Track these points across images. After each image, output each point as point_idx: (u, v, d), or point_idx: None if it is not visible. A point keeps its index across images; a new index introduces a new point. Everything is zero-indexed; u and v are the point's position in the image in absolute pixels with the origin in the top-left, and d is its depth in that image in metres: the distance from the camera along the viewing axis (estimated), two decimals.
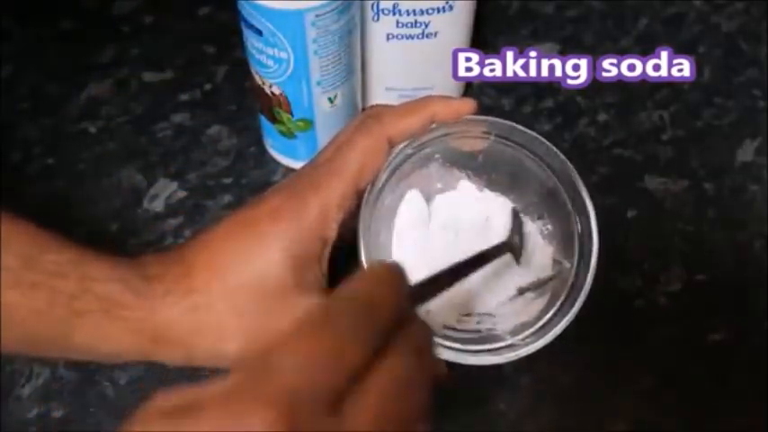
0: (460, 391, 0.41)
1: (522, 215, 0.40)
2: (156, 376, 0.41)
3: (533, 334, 0.34)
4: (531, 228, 0.39)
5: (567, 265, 0.36)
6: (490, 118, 0.37)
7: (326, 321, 0.22)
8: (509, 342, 0.35)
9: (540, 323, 0.35)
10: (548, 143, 0.37)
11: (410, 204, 0.39)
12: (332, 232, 0.35)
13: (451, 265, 0.31)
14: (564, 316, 0.34)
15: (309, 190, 0.34)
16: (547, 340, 0.34)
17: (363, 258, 0.34)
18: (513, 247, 0.38)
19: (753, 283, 0.46)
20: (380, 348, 0.22)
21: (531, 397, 0.41)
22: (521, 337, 0.35)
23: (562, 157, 0.37)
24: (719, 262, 0.47)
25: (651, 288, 0.45)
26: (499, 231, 0.40)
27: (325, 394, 0.20)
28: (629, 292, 0.45)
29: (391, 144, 0.35)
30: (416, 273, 0.37)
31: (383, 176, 0.35)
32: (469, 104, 0.36)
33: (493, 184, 0.40)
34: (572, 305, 0.34)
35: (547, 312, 0.35)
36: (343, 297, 0.23)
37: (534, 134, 0.37)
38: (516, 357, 0.34)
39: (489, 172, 0.40)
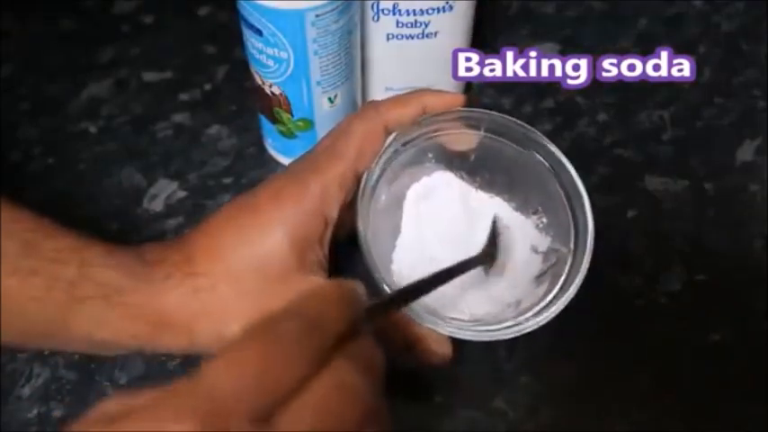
0: (460, 390, 0.41)
1: (515, 213, 0.40)
2: (156, 375, 0.41)
3: (535, 314, 0.35)
4: (526, 224, 0.40)
5: (565, 250, 0.37)
6: (478, 109, 0.38)
7: (267, 335, 0.22)
8: (510, 322, 0.35)
9: (542, 304, 0.35)
10: (531, 128, 0.37)
11: (409, 200, 0.40)
12: (333, 213, 0.35)
13: (411, 283, 0.31)
14: (563, 294, 0.35)
15: (310, 172, 0.35)
16: (547, 318, 0.34)
17: (363, 253, 0.34)
18: (484, 260, 0.37)
19: (753, 283, 0.46)
20: (324, 365, 0.22)
21: (531, 397, 0.41)
22: (523, 317, 0.35)
23: (555, 148, 0.37)
24: (719, 262, 0.47)
25: (651, 288, 0.45)
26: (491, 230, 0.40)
27: (255, 407, 0.20)
28: (629, 291, 0.45)
29: (387, 132, 0.36)
30: (412, 269, 0.37)
31: (379, 165, 0.35)
32: (459, 98, 0.37)
33: (486, 184, 0.40)
34: (570, 285, 0.35)
35: (548, 295, 0.36)
36: (288, 312, 0.23)
37: (517, 121, 0.37)
38: (518, 333, 0.34)
39: (482, 171, 0.40)
